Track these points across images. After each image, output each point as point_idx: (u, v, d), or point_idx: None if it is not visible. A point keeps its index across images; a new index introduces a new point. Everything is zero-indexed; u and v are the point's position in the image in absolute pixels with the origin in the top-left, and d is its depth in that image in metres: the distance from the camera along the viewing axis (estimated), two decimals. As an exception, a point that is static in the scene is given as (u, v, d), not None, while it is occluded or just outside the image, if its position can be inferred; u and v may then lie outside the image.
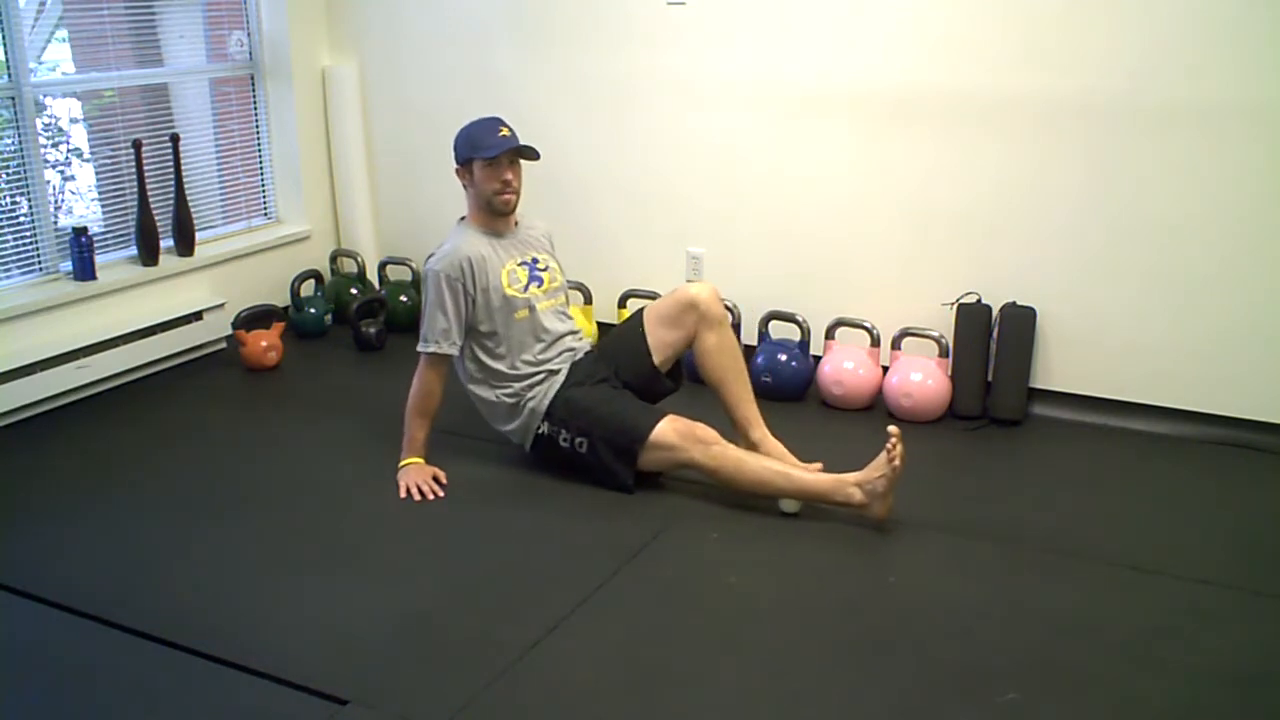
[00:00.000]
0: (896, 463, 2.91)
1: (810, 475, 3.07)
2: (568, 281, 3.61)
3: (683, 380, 3.47)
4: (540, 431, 3.27)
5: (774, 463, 3.14)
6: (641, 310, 3.44)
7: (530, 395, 3.27)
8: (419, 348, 3.27)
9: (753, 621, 2.62)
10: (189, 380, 4.15)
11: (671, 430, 3.10)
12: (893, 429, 2.93)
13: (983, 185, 3.78)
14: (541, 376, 3.28)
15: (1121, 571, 2.84)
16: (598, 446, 3.18)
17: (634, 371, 3.34)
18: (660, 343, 3.33)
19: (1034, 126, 3.66)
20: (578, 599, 2.68)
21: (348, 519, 3.10)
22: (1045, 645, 2.52)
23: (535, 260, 3.38)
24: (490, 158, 3.22)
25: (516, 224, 3.41)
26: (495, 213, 3.31)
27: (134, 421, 3.76)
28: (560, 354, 3.33)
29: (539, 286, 3.34)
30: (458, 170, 3.32)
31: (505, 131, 3.25)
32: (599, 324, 4.33)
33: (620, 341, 3.42)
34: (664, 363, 3.35)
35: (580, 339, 3.44)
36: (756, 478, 3.08)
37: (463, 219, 3.40)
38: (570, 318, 3.47)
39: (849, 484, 3.01)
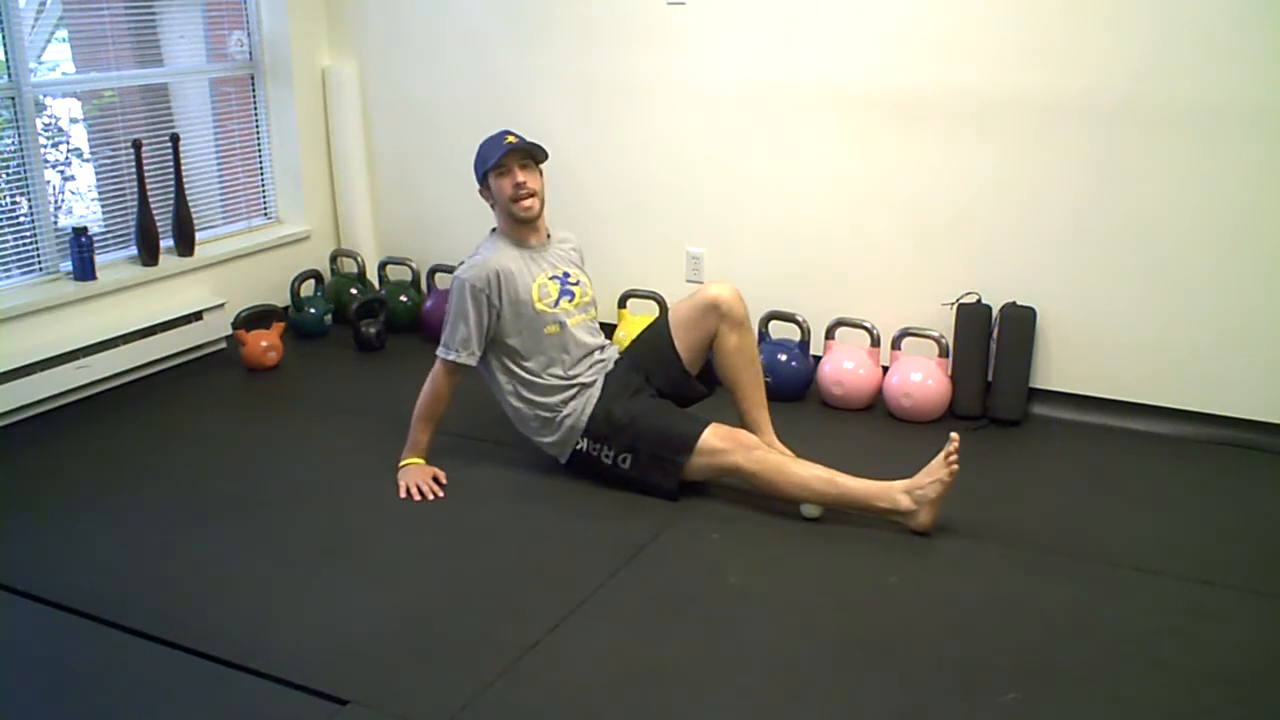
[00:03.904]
0: (954, 466, 2.88)
1: (855, 481, 3.00)
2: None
3: (714, 385, 3.42)
4: (579, 448, 3.24)
5: (819, 468, 3.07)
6: (665, 314, 3.43)
7: (566, 411, 3.24)
8: (438, 353, 3.26)
9: (753, 621, 2.62)
10: (189, 380, 4.15)
11: (716, 436, 3.09)
12: (954, 435, 2.89)
13: (983, 185, 3.78)
14: (575, 391, 3.25)
15: (1121, 571, 2.84)
16: (643, 460, 3.14)
17: (665, 377, 3.32)
18: (686, 345, 3.31)
19: (1034, 127, 3.66)
20: (578, 599, 2.68)
21: (348, 519, 3.11)
22: (1045, 645, 2.52)
23: (567, 275, 3.35)
24: (497, 165, 3.23)
25: (549, 236, 3.40)
26: (519, 221, 3.29)
27: (134, 421, 3.76)
28: (591, 367, 3.30)
29: (570, 301, 3.32)
30: (480, 191, 3.34)
31: (511, 139, 3.26)
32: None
33: (648, 347, 3.38)
34: (692, 364, 3.34)
35: (609, 350, 3.40)
36: (800, 482, 3.02)
37: (494, 230, 3.39)
38: (599, 331, 3.43)
39: (897, 490, 2.96)
